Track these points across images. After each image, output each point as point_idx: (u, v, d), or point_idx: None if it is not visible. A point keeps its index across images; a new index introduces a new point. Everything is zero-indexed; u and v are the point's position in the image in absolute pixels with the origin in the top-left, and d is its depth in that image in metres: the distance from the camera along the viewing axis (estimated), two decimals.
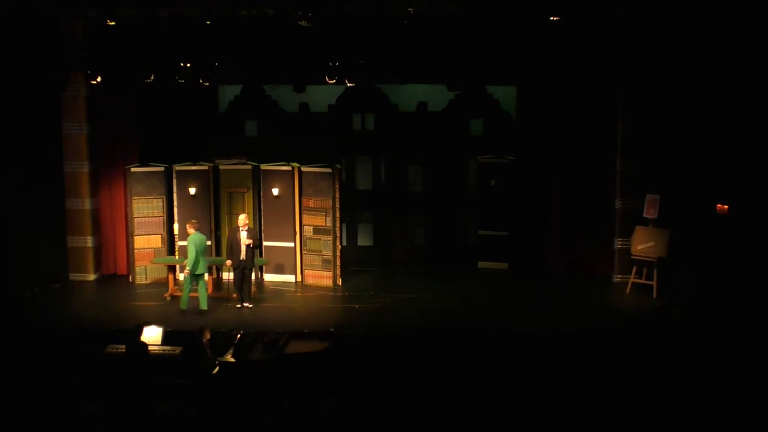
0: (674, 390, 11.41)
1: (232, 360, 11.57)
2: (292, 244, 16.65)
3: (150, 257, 16.52)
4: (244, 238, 14.89)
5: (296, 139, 17.84)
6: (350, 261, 17.52)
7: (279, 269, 16.72)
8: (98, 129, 16.65)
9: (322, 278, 16.41)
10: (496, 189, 17.61)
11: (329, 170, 16.35)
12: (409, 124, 18.15)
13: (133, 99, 16.76)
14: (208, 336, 12.02)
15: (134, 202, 16.62)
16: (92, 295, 16.11)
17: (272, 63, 14.98)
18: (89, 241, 16.70)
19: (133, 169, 16.64)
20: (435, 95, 17.89)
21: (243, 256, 14.90)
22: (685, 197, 15.33)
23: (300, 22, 13.93)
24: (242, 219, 15.10)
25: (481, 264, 17.74)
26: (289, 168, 16.66)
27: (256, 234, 15.78)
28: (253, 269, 15.42)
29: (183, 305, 14.73)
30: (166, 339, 12.30)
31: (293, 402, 10.99)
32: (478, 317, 14.48)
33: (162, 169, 16.80)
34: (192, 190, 16.69)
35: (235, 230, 15.06)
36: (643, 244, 15.36)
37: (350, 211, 18.08)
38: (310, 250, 16.56)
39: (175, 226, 16.71)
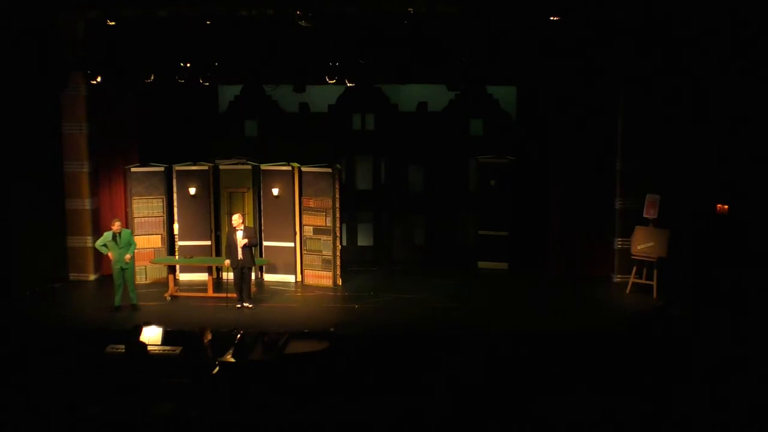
0: (674, 390, 11.42)
1: (232, 360, 11.57)
2: (292, 244, 16.65)
3: (150, 257, 16.51)
4: (240, 238, 14.89)
5: (296, 139, 17.84)
6: (350, 261, 17.52)
7: (279, 269, 16.71)
8: (98, 129, 16.64)
9: (322, 278, 16.41)
10: (496, 189, 17.61)
11: (329, 170, 16.35)
12: (409, 124, 18.16)
13: (133, 99, 16.76)
14: (209, 337, 12.02)
15: (134, 202, 16.62)
16: (92, 295, 16.11)
17: (272, 63, 15.00)
18: (89, 241, 16.69)
19: (133, 169, 16.65)
20: (435, 95, 17.90)
21: (241, 256, 14.89)
22: (685, 197, 15.33)
23: (300, 22, 13.95)
24: (236, 219, 15.07)
25: (481, 264, 17.73)
26: (289, 168, 16.66)
27: (255, 233, 15.78)
28: (253, 269, 15.42)
29: (118, 302, 14.80)
30: (166, 339, 12.30)
31: (293, 402, 10.99)
32: (478, 317, 14.47)
33: (162, 169, 16.80)
34: (192, 190, 16.69)
35: (232, 231, 15.05)
36: (643, 244, 15.35)
37: (350, 211, 18.09)
38: (310, 250, 16.56)
39: (175, 226, 16.70)
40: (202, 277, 16.21)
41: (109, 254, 14.86)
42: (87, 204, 16.65)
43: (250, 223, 16.44)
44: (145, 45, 15.15)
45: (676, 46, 15.00)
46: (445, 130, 18.07)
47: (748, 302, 14.12)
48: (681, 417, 10.63)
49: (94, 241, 16.62)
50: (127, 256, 14.85)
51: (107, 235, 14.86)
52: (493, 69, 15.14)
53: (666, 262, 15.16)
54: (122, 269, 14.80)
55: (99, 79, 15.23)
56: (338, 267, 16.38)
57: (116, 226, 14.90)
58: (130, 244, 14.91)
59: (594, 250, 16.61)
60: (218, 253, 16.80)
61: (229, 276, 15.37)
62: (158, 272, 16.69)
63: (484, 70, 15.13)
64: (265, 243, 16.73)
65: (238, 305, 14.96)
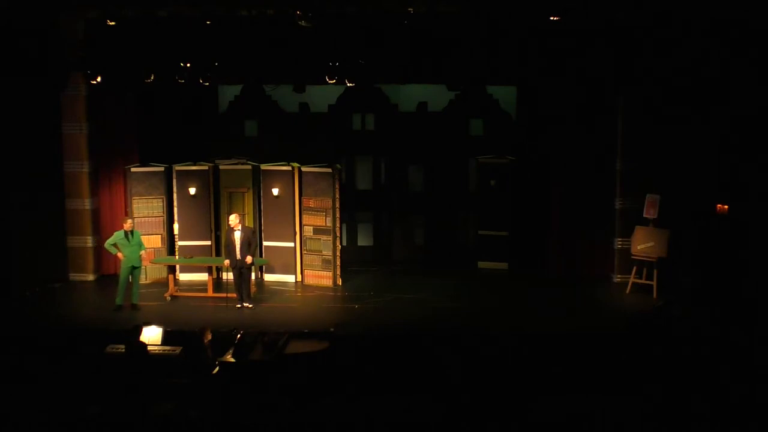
0: (674, 390, 11.43)
1: (232, 360, 11.57)
2: (292, 244, 16.65)
3: (150, 257, 16.49)
4: (238, 238, 14.88)
5: (296, 139, 17.85)
6: (350, 261, 17.52)
7: (279, 269, 16.71)
8: (98, 129, 16.64)
9: (322, 278, 16.40)
10: (496, 189, 17.61)
11: (329, 170, 16.35)
12: (409, 124, 18.16)
13: (133, 99, 16.76)
14: (209, 337, 12.02)
15: (134, 202, 16.61)
16: (92, 295, 16.11)
17: (272, 63, 15.00)
18: (89, 241, 16.70)
19: (133, 169, 16.65)
20: (435, 95, 17.90)
21: (239, 255, 14.89)
22: (685, 197, 15.33)
23: (300, 22, 13.95)
24: (233, 219, 15.06)
25: (481, 264, 17.73)
26: (289, 168, 16.66)
27: (255, 233, 15.74)
28: (253, 269, 15.41)
29: (120, 301, 14.82)
30: (166, 339, 12.30)
31: (293, 402, 10.99)
32: (478, 317, 14.47)
33: (162, 169, 16.80)
34: (192, 190, 16.69)
35: (230, 231, 15.06)
36: (643, 244, 15.35)
37: (350, 211, 18.09)
38: (310, 250, 16.56)
39: (175, 226, 16.70)
40: (202, 277, 16.21)
41: (119, 254, 14.88)
42: (87, 204, 16.65)
43: (250, 223, 16.44)
44: (145, 45, 15.16)
45: (676, 46, 14.99)
46: (445, 130, 18.07)
47: (748, 302, 14.13)
48: (681, 417, 10.63)
49: (94, 241, 16.69)
50: (143, 253, 15.04)
51: (118, 234, 14.91)
52: (493, 69, 15.14)
53: (666, 262, 15.16)
54: (133, 268, 14.85)
55: (99, 79, 15.24)
56: (338, 267, 16.37)
57: (128, 224, 15.01)
58: (140, 244, 14.98)
59: (594, 250, 16.60)
60: (218, 253, 16.78)
61: (229, 276, 15.37)
62: (158, 272, 16.68)
63: (484, 70, 15.14)
64: (265, 243, 16.72)
65: (238, 305, 14.95)
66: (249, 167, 16.86)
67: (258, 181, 16.85)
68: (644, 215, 15.46)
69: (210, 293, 15.65)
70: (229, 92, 18.18)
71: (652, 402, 11.07)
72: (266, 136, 18.20)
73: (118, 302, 14.82)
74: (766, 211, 14.42)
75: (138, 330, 12.11)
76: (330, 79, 14.83)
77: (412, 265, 18.05)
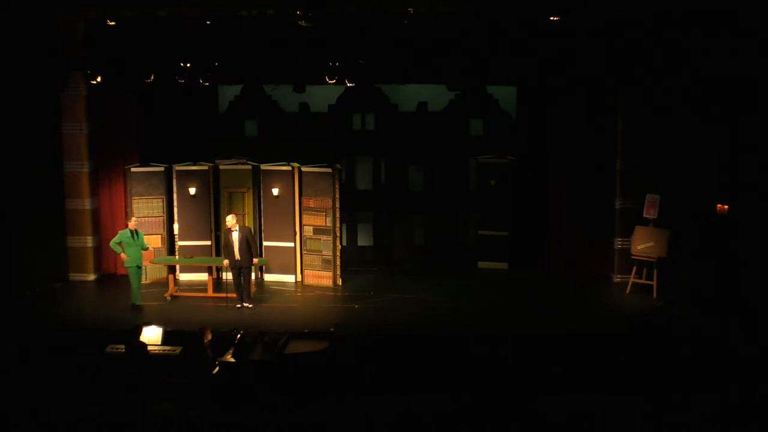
0: (674, 389, 11.43)
1: (232, 360, 11.57)
2: (292, 244, 16.65)
3: (150, 257, 16.49)
4: (236, 239, 14.88)
5: (296, 139, 17.85)
6: (350, 261, 17.51)
7: (279, 269, 16.71)
8: (98, 129, 16.64)
9: (322, 278, 16.41)
10: (496, 189, 17.61)
11: (329, 170, 16.35)
12: (409, 124, 18.17)
13: (133, 99, 16.76)
14: (209, 337, 12.02)
15: (134, 202, 16.61)
16: (92, 295, 16.11)
17: (272, 63, 15.01)
18: (89, 241, 16.70)
19: (133, 169, 16.65)
20: (435, 95, 17.91)
21: (237, 256, 14.89)
22: (685, 197, 15.33)
23: (300, 22, 13.96)
24: (230, 220, 15.05)
25: (481, 264, 17.73)
26: (289, 168, 16.66)
27: (253, 233, 15.72)
28: (252, 269, 15.40)
29: (138, 300, 14.88)
30: (166, 339, 12.30)
31: (293, 402, 10.99)
32: (478, 317, 14.47)
33: (162, 169, 16.80)
34: (192, 190, 16.69)
35: (228, 231, 15.06)
36: (643, 244, 15.35)
37: (350, 211, 18.09)
38: (310, 250, 16.56)
39: (175, 226, 16.70)
40: (202, 277, 16.21)
41: (122, 254, 14.89)
42: (87, 204, 16.65)
43: (250, 223, 16.43)
44: (145, 45, 15.17)
45: (676, 46, 14.99)
46: (445, 130, 18.07)
47: (748, 302, 14.13)
48: (681, 417, 10.63)
49: (94, 241, 16.72)
50: (150, 249, 15.19)
51: (124, 233, 14.94)
52: (493, 69, 15.15)
53: (666, 262, 15.16)
54: (137, 267, 14.89)
55: (99, 79, 15.25)
56: (338, 267, 16.37)
57: (132, 222, 15.06)
58: (143, 243, 15.09)
59: (594, 250, 16.60)
60: (218, 253, 16.77)
61: (228, 276, 15.37)
62: (158, 272, 16.68)
63: (484, 70, 15.14)
64: (265, 243, 16.72)
65: (238, 305, 14.95)
66: (249, 167, 16.86)
67: (258, 181, 16.85)
68: (644, 215, 15.46)
69: (210, 293, 15.65)
70: (229, 92, 18.19)
71: (653, 402, 11.07)
72: (266, 136, 18.20)
73: (134, 303, 14.85)
74: (765, 211, 14.42)
75: (138, 330, 12.12)
76: (330, 79, 14.83)
77: (412, 265, 18.05)
